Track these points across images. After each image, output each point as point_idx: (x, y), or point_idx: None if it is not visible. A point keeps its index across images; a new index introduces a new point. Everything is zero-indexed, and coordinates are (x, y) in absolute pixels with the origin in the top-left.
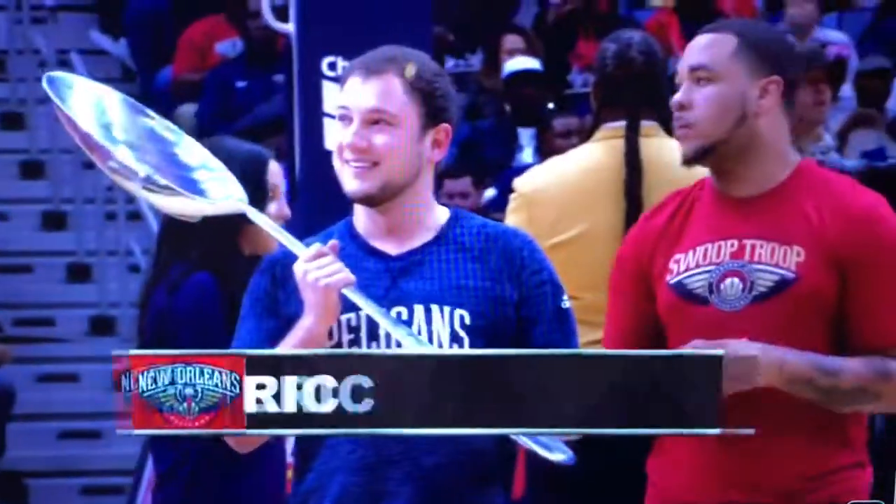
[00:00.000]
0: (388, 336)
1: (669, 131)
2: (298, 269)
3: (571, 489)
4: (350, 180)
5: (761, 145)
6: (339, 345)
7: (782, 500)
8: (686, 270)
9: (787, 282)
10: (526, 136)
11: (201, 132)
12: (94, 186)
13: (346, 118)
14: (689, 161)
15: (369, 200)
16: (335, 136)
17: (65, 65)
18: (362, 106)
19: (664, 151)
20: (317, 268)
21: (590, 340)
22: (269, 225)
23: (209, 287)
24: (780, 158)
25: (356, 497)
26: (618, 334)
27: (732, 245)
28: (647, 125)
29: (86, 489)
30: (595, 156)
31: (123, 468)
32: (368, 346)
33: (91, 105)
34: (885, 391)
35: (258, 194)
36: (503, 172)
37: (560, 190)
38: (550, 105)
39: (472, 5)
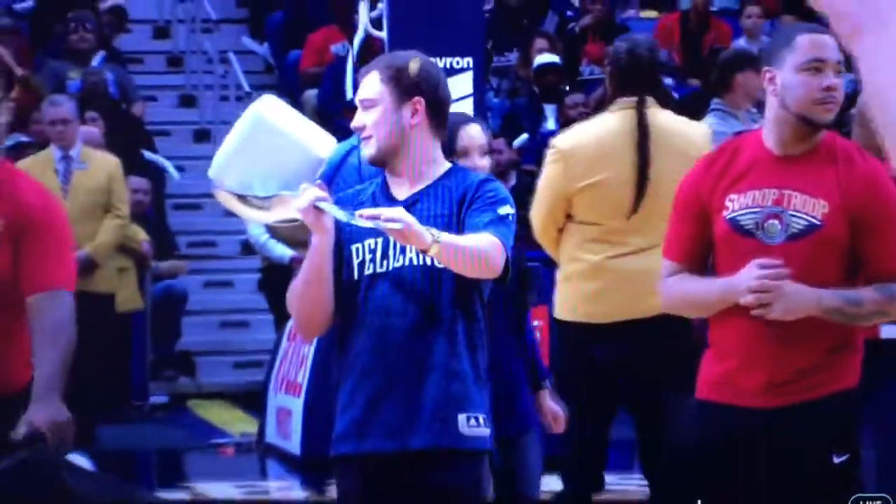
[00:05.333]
0: (394, 256)
1: (663, 105)
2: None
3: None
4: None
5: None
6: (362, 262)
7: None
8: (739, 209)
9: (815, 227)
10: (549, 110)
11: (321, 110)
12: None
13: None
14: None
15: (374, 162)
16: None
17: (224, 62)
18: (359, 97)
19: (662, 120)
20: (300, 199)
21: (609, 255)
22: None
23: None
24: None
25: (377, 383)
26: (680, 251)
27: (774, 193)
28: (649, 101)
29: (237, 364)
30: (613, 122)
31: (264, 349)
32: (381, 263)
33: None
34: (893, 310)
35: (447, 152)
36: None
37: (588, 146)
38: (567, 87)
39: (512, 17)
